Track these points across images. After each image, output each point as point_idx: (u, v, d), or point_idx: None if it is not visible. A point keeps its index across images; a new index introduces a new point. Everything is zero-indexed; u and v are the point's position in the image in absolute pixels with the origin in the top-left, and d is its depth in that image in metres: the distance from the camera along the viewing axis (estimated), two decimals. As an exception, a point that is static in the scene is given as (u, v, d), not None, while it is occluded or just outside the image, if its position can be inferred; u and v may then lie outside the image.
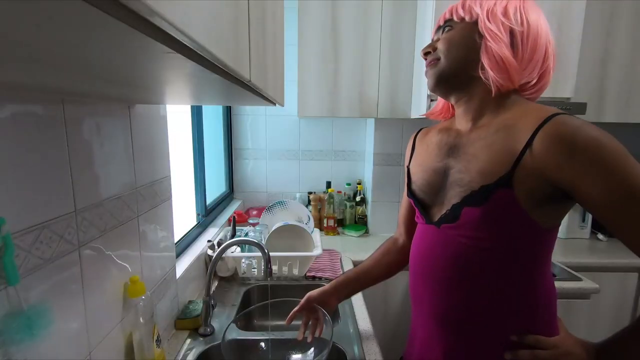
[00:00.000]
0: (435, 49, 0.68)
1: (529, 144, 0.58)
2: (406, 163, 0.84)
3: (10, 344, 0.44)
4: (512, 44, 0.62)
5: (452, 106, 0.78)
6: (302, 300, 0.91)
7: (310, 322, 0.93)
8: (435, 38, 0.70)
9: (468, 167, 0.65)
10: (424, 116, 0.83)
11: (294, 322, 0.92)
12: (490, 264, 0.63)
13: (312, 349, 0.94)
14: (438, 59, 0.67)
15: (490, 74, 0.62)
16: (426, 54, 0.70)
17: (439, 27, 0.69)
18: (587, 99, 1.68)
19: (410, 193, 0.78)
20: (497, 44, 0.60)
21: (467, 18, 0.64)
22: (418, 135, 0.84)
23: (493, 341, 0.66)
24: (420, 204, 0.75)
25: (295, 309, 0.91)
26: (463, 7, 0.65)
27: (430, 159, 0.74)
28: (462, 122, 0.71)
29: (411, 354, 0.79)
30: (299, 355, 0.97)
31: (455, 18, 0.66)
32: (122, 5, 0.16)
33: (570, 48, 1.50)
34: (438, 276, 0.69)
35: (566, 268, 1.52)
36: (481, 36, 0.62)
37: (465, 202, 0.63)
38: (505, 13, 0.62)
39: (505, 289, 0.64)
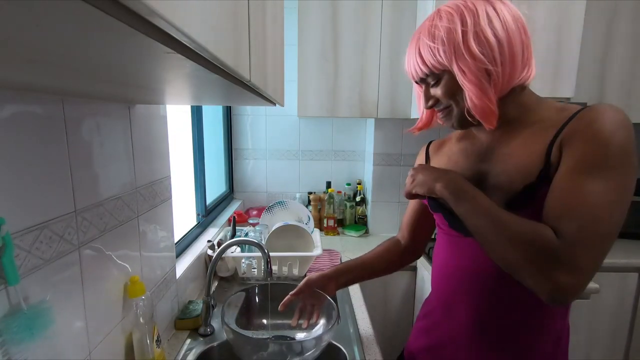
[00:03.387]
0: (437, 100, 0.66)
1: (559, 132, 0.57)
2: None
3: (10, 344, 0.44)
4: (490, 74, 0.59)
5: (436, 114, 0.73)
6: (301, 283, 0.87)
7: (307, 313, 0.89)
8: (424, 89, 0.67)
9: (505, 168, 0.63)
10: (411, 132, 0.78)
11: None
12: None
13: (320, 324, 0.91)
14: (449, 107, 0.65)
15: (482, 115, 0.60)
16: (432, 105, 0.67)
17: (422, 79, 0.66)
18: (587, 99, 1.68)
19: (439, 207, 0.73)
20: (479, 100, 0.58)
21: (446, 65, 0.61)
22: (430, 147, 0.82)
23: (528, 345, 0.66)
24: (454, 216, 0.67)
25: (293, 292, 0.87)
26: (436, 60, 0.61)
27: (457, 168, 0.71)
28: (481, 130, 0.69)
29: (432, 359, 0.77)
30: (302, 334, 0.94)
31: (435, 71, 0.62)
32: (122, 5, 0.16)
33: (570, 48, 1.50)
34: (482, 292, 0.67)
35: (566, 268, 1.52)
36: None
37: (510, 207, 0.60)
38: (472, 54, 0.58)
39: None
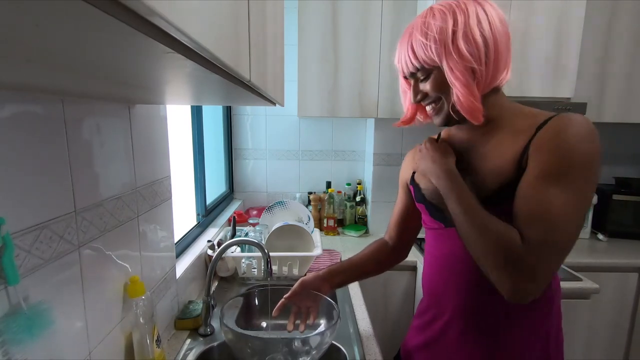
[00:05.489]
0: (425, 95, 0.67)
1: (531, 140, 0.60)
2: (404, 179, 0.86)
3: (10, 344, 0.44)
4: (475, 73, 0.61)
5: (423, 109, 0.75)
6: (295, 285, 0.86)
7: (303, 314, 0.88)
8: (413, 83, 0.69)
9: (480, 167, 0.66)
10: (396, 126, 0.82)
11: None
12: None
13: (320, 326, 0.90)
14: (439, 103, 0.67)
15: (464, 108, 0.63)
16: (420, 100, 0.69)
17: (412, 74, 0.68)
18: (587, 99, 1.68)
19: (422, 199, 0.77)
20: (465, 97, 0.61)
21: (436, 62, 0.63)
22: (417, 151, 0.85)
23: (518, 340, 0.67)
24: (435, 208, 0.74)
25: (287, 295, 0.85)
26: (428, 56, 0.63)
27: None
28: (463, 129, 0.72)
29: (428, 356, 0.78)
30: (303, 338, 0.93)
31: (425, 66, 0.64)
32: (121, 5, 0.16)
33: (570, 48, 1.50)
34: (467, 277, 0.69)
35: (566, 268, 1.52)
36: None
37: (484, 203, 0.63)
38: (460, 53, 0.60)
39: None
